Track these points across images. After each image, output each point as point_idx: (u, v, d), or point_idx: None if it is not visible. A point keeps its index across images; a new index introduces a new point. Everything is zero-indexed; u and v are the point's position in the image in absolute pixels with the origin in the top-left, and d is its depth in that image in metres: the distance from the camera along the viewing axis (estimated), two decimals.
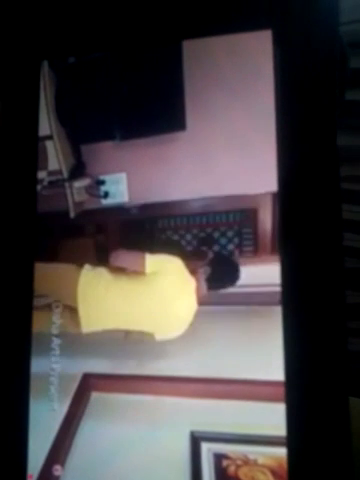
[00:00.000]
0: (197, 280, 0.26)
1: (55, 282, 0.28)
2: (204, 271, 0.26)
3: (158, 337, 0.25)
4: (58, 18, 0.31)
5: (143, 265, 0.26)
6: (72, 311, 0.27)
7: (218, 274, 0.26)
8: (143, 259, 0.26)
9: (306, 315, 0.25)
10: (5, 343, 0.29)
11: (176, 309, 0.26)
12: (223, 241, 0.28)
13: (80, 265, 0.29)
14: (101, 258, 0.29)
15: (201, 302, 0.26)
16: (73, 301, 0.27)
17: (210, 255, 0.25)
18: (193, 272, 0.27)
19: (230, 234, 0.28)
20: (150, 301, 0.26)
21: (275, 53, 0.27)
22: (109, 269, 0.28)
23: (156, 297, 0.26)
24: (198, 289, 0.26)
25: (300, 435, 0.25)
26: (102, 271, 0.27)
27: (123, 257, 0.27)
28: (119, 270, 0.27)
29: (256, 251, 0.27)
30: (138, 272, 0.27)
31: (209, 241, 0.28)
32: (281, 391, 0.25)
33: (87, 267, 0.28)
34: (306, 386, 0.25)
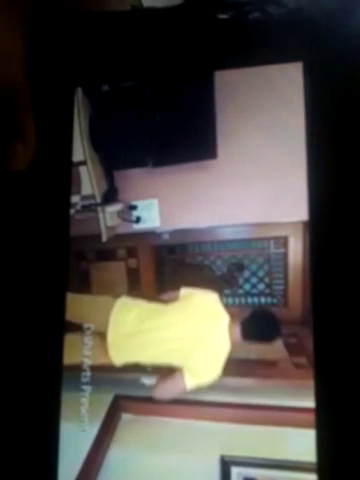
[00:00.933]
0: (233, 326, 0.26)
1: (91, 311, 0.29)
2: (241, 315, 0.26)
3: (189, 382, 0.26)
4: (93, 46, 0.32)
5: (177, 295, 0.26)
6: (102, 339, 0.28)
7: (257, 323, 0.26)
8: (178, 291, 0.27)
9: (336, 339, 0.26)
10: (37, 363, 0.30)
11: (209, 341, 0.26)
12: (253, 267, 0.28)
13: (116, 295, 0.29)
14: (132, 281, 0.30)
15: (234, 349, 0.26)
16: (105, 328, 0.28)
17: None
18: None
19: (260, 260, 0.28)
20: (183, 328, 0.26)
21: (305, 84, 0.28)
22: (144, 300, 0.28)
23: (190, 324, 0.26)
24: (231, 329, 0.26)
25: (330, 461, 0.25)
26: (137, 301, 0.28)
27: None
28: (155, 300, 0.28)
29: (286, 277, 0.27)
30: (172, 299, 0.27)
31: (239, 267, 0.28)
32: (311, 417, 0.25)
33: (123, 298, 0.29)
34: (336, 412, 0.25)
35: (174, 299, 0.27)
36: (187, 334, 0.26)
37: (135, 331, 0.28)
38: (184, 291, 0.27)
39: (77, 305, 0.30)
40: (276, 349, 0.27)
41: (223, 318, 0.26)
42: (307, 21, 0.27)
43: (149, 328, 0.27)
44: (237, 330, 0.26)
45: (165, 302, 0.28)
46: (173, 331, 0.27)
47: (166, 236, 0.30)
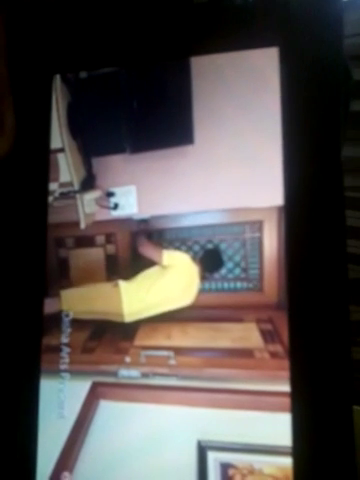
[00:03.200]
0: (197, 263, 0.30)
1: (97, 304, 0.30)
2: (199, 255, 0.30)
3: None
4: (70, 33, 0.32)
5: (161, 257, 0.30)
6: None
7: (210, 260, 0.29)
8: (161, 252, 0.30)
9: (311, 324, 0.26)
10: (15, 351, 0.30)
11: (188, 292, 0.29)
12: (229, 252, 0.28)
13: (112, 281, 0.30)
14: (110, 267, 0.30)
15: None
16: (119, 317, 0.30)
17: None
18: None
19: (236, 245, 0.28)
20: (172, 291, 0.29)
21: (281, 70, 0.28)
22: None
23: (176, 287, 0.30)
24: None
25: (305, 445, 0.25)
26: (133, 280, 0.30)
27: (147, 247, 0.30)
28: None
29: (261, 262, 0.27)
30: (159, 267, 0.30)
31: (215, 252, 0.28)
32: (287, 401, 0.26)
33: (121, 283, 0.30)
34: (311, 396, 0.25)
35: (159, 261, 0.30)
36: (172, 289, 0.30)
37: (144, 300, 0.30)
38: (166, 254, 0.30)
39: (79, 300, 0.30)
40: (251, 336, 0.27)
41: (195, 270, 0.30)
42: (282, 6, 0.27)
43: (154, 292, 0.30)
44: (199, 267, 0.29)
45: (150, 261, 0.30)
46: (163, 289, 0.30)
47: (143, 224, 0.30)
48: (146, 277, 0.30)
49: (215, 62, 0.29)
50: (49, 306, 0.30)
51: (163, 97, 0.30)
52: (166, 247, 0.30)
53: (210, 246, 0.29)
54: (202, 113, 0.29)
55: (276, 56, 0.28)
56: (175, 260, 0.30)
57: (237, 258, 0.28)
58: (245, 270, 0.28)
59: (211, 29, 0.29)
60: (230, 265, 0.28)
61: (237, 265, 0.28)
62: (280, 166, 0.27)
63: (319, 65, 0.28)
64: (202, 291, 0.28)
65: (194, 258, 0.29)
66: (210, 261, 0.29)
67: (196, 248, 0.29)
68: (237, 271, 0.28)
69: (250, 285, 0.28)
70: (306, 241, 0.26)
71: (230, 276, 0.28)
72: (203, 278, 0.29)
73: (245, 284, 0.28)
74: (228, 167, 0.28)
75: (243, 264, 0.28)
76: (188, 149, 0.29)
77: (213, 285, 0.29)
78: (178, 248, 0.30)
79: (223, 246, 0.29)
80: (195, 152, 0.29)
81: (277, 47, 0.28)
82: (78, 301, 0.30)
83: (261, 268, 0.28)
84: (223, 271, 0.29)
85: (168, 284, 0.30)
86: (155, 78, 0.30)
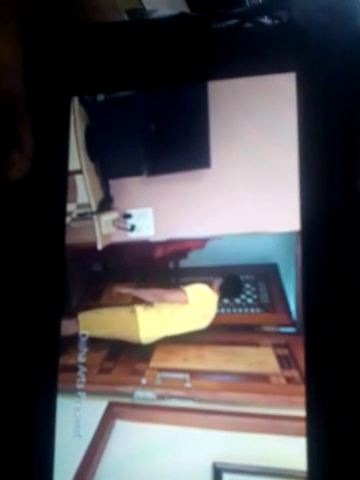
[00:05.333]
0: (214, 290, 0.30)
1: (114, 328, 0.31)
2: (217, 282, 0.30)
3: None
4: (88, 56, 0.33)
5: (186, 298, 0.30)
6: None
7: (229, 287, 0.30)
8: (185, 293, 0.30)
9: (327, 350, 0.26)
10: (33, 369, 0.30)
11: (206, 319, 0.29)
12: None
13: (130, 306, 0.31)
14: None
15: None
16: (136, 340, 0.30)
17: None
18: (211, 284, 0.30)
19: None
20: (192, 320, 0.30)
21: (298, 95, 0.28)
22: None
23: (196, 317, 0.30)
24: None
25: (320, 469, 0.26)
26: (151, 307, 0.31)
27: (168, 295, 0.30)
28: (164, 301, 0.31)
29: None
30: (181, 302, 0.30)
31: (236, 279, 0.29)
32: (302, 425, 0.26)
33: (138, 308, 0.31)
34: (327, 421, 0.26)
35: (184, 302, 0.30)
36: (195, 319, 0.30)
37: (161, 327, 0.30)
38: (189, 292, 0.30)
39: (97, 324, 0.31)
40: (268, 361, 0.27)
41: (215, 298, 0.30)
42: (299, 32, 0.28)
43: (173, 322, 0.30)
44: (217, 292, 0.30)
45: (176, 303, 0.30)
46: (187, 321, 0.30)
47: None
48: (166, 306, 0.30)
49: (232, 86, 0.30)
50: (67, 328, 0.31)
51: (180, 121, 0.30)
52: (184, 280, 0.30)
53: (229, 273, 0.29)
54: (219, 137, 0.30)
55: (293, 82, 0.28)
56: (198, 294, 0.30)
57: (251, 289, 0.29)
58: (257, 300, 0.28)
59: (228, 54, 0.30)
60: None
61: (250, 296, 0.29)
62: (297, 191, 0.27)
63: (337, 90, 0.28)
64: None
65: (212, 286, 0.30)
66: (229, 288, 0.29)
67: (214, 275, 0.29)
68: (250, 300, 0.29)
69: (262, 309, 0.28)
70: (323, 266, 0.27)
71: (243, 304, 0.29)
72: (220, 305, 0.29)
73: (258, 309, 0.28)
74: (245, 191, 0.29)
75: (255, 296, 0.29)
76: (205, 173, 0.30)
77: (228, 310, 0.29)
78: (195, 279, 0.30)
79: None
80: (212, 176, 0.29)
81: (294, 72, 0.29)
82: (95, 324, 0.31)
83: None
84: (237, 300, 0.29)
85: (189, 313, 0.30)
86: (172, 102, 0.31)
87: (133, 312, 0.30)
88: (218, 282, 0.29)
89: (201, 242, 0.30)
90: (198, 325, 0.29)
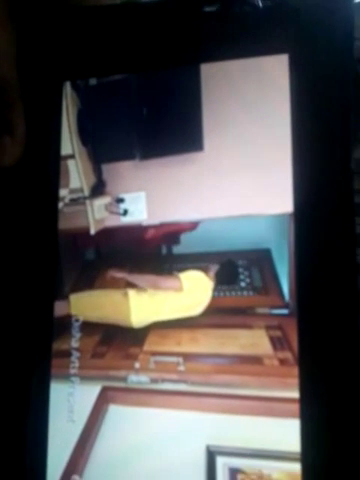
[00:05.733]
0: (210, 278, 0.30)
1: (106, 310, 0.31)
2: (213, 269, 0.30)
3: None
4: (80, 40, 0.32)
5: (181, 284, 0.30)
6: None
7: (225, 274, 0.29)
8: (180, 280, 0.30)
9: (320, 331, 0.26)
10: (26, 355, 0.30)
11: (200, 305, 0.29)
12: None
13: (123, 289, 0.31)
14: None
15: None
16: (127, 323, 0.30)
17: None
18: (207, 270, 0.30)
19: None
20: (186, 306, 0.30)
21: (291, 76, 0.28)
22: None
23: (190, 303, 0.30)
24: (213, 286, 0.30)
25: (314, 451, 0.26)
26: (144, 292, 0.30)
27: (163, 282, 0.30)
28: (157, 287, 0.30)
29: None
30: (176, 289, 0.30)
31: (233, 265, 0.29)
32: (296, 407, 0.26)
33: (130, 292, 0.31)
34: (320, 403, 0.26)
35: (178, 289, 0.30)
36: (188, 306, 0.30)
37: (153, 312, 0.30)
38: (184, 279, 0.30)
39: (88, 306, 0.31)
40: (261, 343, 0.27)
41: (210, 285, 0.30)
42: (292, 13, 0.27)
43: (166, 307, 0.30)
44: (213, 279, 0.29)
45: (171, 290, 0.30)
46: (180, 306, 0.30)
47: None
48: (159, 292, 0.30)
49: (225, 69, 0.30)
50: (58, 309, 0.31)
51: (173, 104, 0.30)
52: (178, 267, 0.30)
53: (225, 259, 0.29)
54: (212, 120, 0.29)
55: (286, 63, 0.28)
56: (193, 281, 0.30)
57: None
58: (250, 283, 0.28)
59: (220, 36, 0.29)
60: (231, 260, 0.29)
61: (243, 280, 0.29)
62: (289, 174, 0.27)
63: (329, 71, 0.28)
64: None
65: (208, 272, 0.29)
66: (226, 274, 0.29)
67: (209, 261, 0.29)
68: (243, 284, 0.29)
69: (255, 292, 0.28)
70: (315, 248, 0.27)
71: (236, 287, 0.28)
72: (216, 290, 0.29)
73: (251, 292, 0.28)
74: (238, 174, 0.29)
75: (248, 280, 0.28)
76: (197, 156, 0.29)
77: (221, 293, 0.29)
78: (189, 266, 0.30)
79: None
80: (204, 159, 0.29)
81: (287, 54, 0.28)
82: (87, 306, 0.31)
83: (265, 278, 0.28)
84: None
85: (182, 300, 0.30)
86: (165, 85, 0.31)
87: (125, 295, 0.30)
88: (214, 268, 0.29)
89: (193, 224, 0.30)
90: (192, 311, 0.29)
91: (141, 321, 0.30)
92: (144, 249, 0.31)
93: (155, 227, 0.30)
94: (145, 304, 0.30)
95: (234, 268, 0.29)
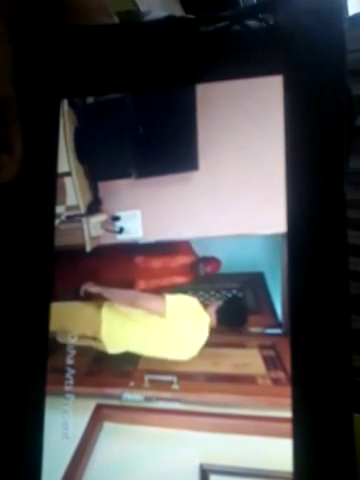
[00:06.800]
0: (209, 314, 0.28)
1: (78, 320, 0.30)
2: (216, 303, 0.28)
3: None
4: (78, 58, 0.33)
5: (164, 309, 0.27)
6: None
7: (228, 311, 0.27)
8: (164, 303, 0.27)
9: (313, 351, 0.26)
10: (21, 372, 0.30)
11: (192, 346, 0.27)
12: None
13: (99, 303, 0.30)
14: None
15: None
16: (97, 334, 0.29)
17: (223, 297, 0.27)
18: (207, 303, 0.28)
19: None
20: (168, 340, 0.28)
21: (285, 97, 0.28)
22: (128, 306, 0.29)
23: (174, 338, 0.28)
24: (211, 323, 0.27)
25: (306, 470, 0.26)
26: (121, 310, 0.29)
27: (144, 301, 0.28)
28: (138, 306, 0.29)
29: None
30: (160, 312, 0.28)
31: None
32: (289, 427, 0.26)
33: (106, 304, 0.29)
34: (312, 423, 0.26)
35: (160, 312, 0.28)
36: (173, 341, 0.28)
37: (125, 333, 0.29)
38: (170, 302, 0.28)
39: (62, 315, 0.30)
40: (254, 363, 0.27)
41: (204, 320, 0.27)
42: (286, 35, 0.28)
43: (137, 332, 0.28)
44: (213, 316, 0.27)
45: (151, 313, 0.28)
46: (160, 337, 0.28)
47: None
48: (137, 312, 0.28)
49: (220, 89, 0.30)
50: None
51: (168, 123, 0.31)
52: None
53: (231, 294, 0.27)
54: (207, 140, 0.30)
55: (280, 84, 0.29)
56: (181, 308, 0.27)
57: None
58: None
59: (216, 57, 0.30)
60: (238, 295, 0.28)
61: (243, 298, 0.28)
62: (283, 194, 0.28)
63: (323, 92, 0.28)
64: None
65: (207, 307, 0.28)
66: (230, 313, 0.26)
67: (211, 295, 0.29)
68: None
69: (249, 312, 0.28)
70: (308, 268, 0.27)
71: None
72: (215, 332, 0.26)
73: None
74: (232, 194, 0.29)
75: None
76: (193, 175, 0.30)
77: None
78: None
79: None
80: (200, 178, 0.30)
81: (281, 75, 0.29)
82: (61, 317, 0.30)
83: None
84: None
85: (164, 330, 0.27)
86: (161, 104, 0.31)
87: (99, 308, 0.29)
88: (216, 304, 0.27)
89: (189, 275, 0.29)
90: (176, 352, 0.27)
91: (113, 342, 0.28)
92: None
93: (145, 279, 0.30)
94: (118, 323, 0.28)
95: (241, 306, 0.27)
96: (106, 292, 0.29)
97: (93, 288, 0.30)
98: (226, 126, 0.29)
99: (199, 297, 0.29)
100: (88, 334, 0.29)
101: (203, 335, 0.27)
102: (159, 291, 0.29)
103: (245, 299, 0.27)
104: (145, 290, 0.29)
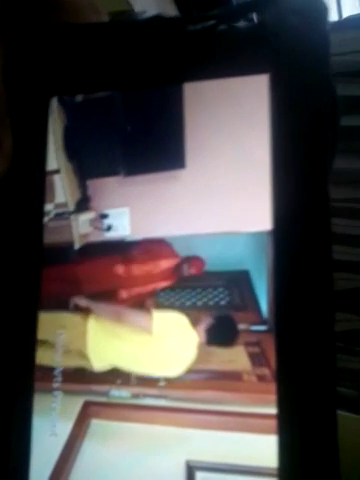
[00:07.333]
0: (199, 333, 0.27)
1: (64, 331, 0.30)
2: (206, 322, 0.27)
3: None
4: (67, 56, 0.33)
5: (151, 326, 0.27)
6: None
7: (218, 331, 0.27)
8: (151, 320, 0.27)
9: (298, 348, 0.26)
10: (8, 369, 0.31)
11: (178, 363, 0.27)
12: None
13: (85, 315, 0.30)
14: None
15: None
16: (83, 348, 0.29)
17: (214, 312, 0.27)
18: (196, 321, 0.28)
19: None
20: (155, 357, 0.27)
21: (271, 96, 0.29)
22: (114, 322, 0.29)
23: (161, 355, 0.27)
24: (199, 342, 0.27)
25: (290, 466, 0.26)
26: (108, 324, 0.29)
27: (130, 317, 0.28)
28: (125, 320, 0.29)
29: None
30: (147, 329, 0.27)
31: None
32: (273, 423, 0.26)
33: (93, 316, 0.29)
34: (297, 419, 0.26)
35: (146, 329, 0.28)
36: (159, 359, 0.28)
37: (110, 347, 0.28)
38: (157, 319, 0.28)
39: (48, 326, 0.30)
40: (240, 359, 0.27)
41: (193, 339, 0.27)
42: (271, 34, 0.28)
43: (122, 347, 0.28)
44: (202, 335, 0.27)
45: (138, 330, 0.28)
46: (146, 354, 0.28)
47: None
48: (123, 328, 0.28)
49: (207, 88, 0.30)
50: None
51: (156, 122, 0.31)
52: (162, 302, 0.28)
53: (220, 312, 0.27)
54: (194, 138, 0.30)
55: (266, 83, 0.29)
56: (168, 327, 0.26)
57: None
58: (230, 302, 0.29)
59: (204, 56, 0.30)
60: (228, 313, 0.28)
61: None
62: (268, 192, 0.28)
63: (307, 91, 0.28)
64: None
65: (196, 324, 0.27)
66: (220, 333, 0.26)
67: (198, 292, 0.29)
68: (223, 302, 0.29)
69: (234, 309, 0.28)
70: (293, 265, 0.27)
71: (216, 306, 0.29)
72: (203, 350, 0.26)
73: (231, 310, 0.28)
74: (218, 191, 0.29)
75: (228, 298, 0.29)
76: (180, 173, 0.30)
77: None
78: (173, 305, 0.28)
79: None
80: (187, 176, 0.30)
81: (267, 74, 0.29)
82: (49, 326, 0.29)
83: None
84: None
85: (150, 348, 0.27)
86: (149, 103, 0.31)
87: (85, 320, 0.29)
88: (206, 322, 0.26)
89: (172, 278, 0.29)
90: (162, 370, 0.27)
91: (100, 360, 0.28)
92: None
93: (127, 289, 0.29)
94: (103, 339, 0.28)
95: (232, 327, 0.26)
96: (93, 306, 0.29)
97: (82, 301, 0.29)
98: (213, 124, 0.30)
99: (186, 296, 0.29)
100: (74, 346, 0.29)
101: (190, 353, 0.27)
102: (143, 297, 0.29)
103: (235, 318, 0.27)
104: (128, 299, 0.29)
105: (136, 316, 0.28)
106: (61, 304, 0.30)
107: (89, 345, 0.29)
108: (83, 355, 0.29)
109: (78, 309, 0.30)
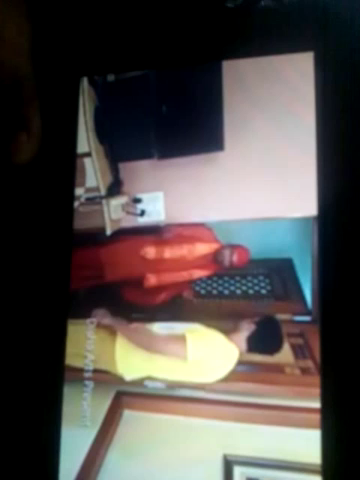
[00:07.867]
0: (239, 341, 0.26)
1: (92, 346, 0.29)
2: (249, 329, 0.26)
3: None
4: (98, 35, 0.32)
5: (186, 354, 0.26)
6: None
7: (261, 338, 0.26)
8: (185, 347, 0.26)
9: (343, 339, 0.25)
10: (40, 359, 0.30)
11: (218, 374, 0.26)
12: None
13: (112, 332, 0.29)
14: None
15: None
16: (111, 368, 0.28)
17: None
18: (235, 329, 0.26)
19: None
20: (193, 374, 0.26)
21: (316, 75, 0.27)
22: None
23: (199, 372, 0.27)
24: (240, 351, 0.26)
25: (335, 463, 0.25)
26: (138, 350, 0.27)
27: (161, 347, 0.26)
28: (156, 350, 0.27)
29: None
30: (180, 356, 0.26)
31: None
32: (317, 417, 0.25)
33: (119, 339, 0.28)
34: (342, 413, 0.25)
35: (181, 357, 0.26)
36: (196, 377, 0.27)
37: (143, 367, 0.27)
38: (191, 345, 0.26)
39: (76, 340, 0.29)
40: (282, 351, 0.26)
41: (232, 354, 0.26)
42: (318, 10, 0.26)
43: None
44: (243, 344, 0.26)
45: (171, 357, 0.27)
46: (184, 376, 0.27)
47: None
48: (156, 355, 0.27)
49: (247, 66, 0.29)
50: None
51: (193, 102, 0.29)
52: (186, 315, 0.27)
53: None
54: (233, 119, 0.29)
55: (311, 62, 0.27)
56: (204, 350, 0.25)
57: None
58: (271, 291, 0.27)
59: (243, 33, 0.28)
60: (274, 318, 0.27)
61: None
62: (313, 175, 0.26)
63: (355, 70, 0.27)
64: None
65: (235, 333, 0.26)
66: (264, 338, 0.25)
67: (237, 281, 0.28)
68: (263, 291, 0.28)
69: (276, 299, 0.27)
70: (340, 253, 0.26)
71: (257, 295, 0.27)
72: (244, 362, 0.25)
73: (272, 299, 0.27)
74: (259, 175, 0.28)
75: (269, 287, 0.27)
76: (218, 156, 0.29)
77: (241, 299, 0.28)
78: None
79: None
80: (225, 159, 0.28)
81: (312, 52, 0.27)
82: (77, 338, 0.29)
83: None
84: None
85: (185, 369, 0.26)
86: (185, 82, 0.30)
87: (112, 336, 0.28)
88: (247, 329, 0.25)
89: (211, 267, 0.27)
90: (202, 379, 0.26)
91: (131, 374, 0.27)
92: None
93: (156, 275, 0.28)
94: (133, 359, 0.27)
95: (276, 329, 0.25)
96: (119, 326, 0.28)
97: (105, 320, 0.28)
98: (253, 104, 0.28)
99: (224, 285, 0.28)
100: (102, 361, 0.28)
101: (231, 365, 0.26)
102: (179, 287, 0.28)
103: (280, 324, 0.26)
104: (156, 287, 0.28)
105: (169, 345, 0.26)
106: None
107: (118, 363, 0.28)
108: (113, 368, 0.28)
109: (101, 327, 0.28)
